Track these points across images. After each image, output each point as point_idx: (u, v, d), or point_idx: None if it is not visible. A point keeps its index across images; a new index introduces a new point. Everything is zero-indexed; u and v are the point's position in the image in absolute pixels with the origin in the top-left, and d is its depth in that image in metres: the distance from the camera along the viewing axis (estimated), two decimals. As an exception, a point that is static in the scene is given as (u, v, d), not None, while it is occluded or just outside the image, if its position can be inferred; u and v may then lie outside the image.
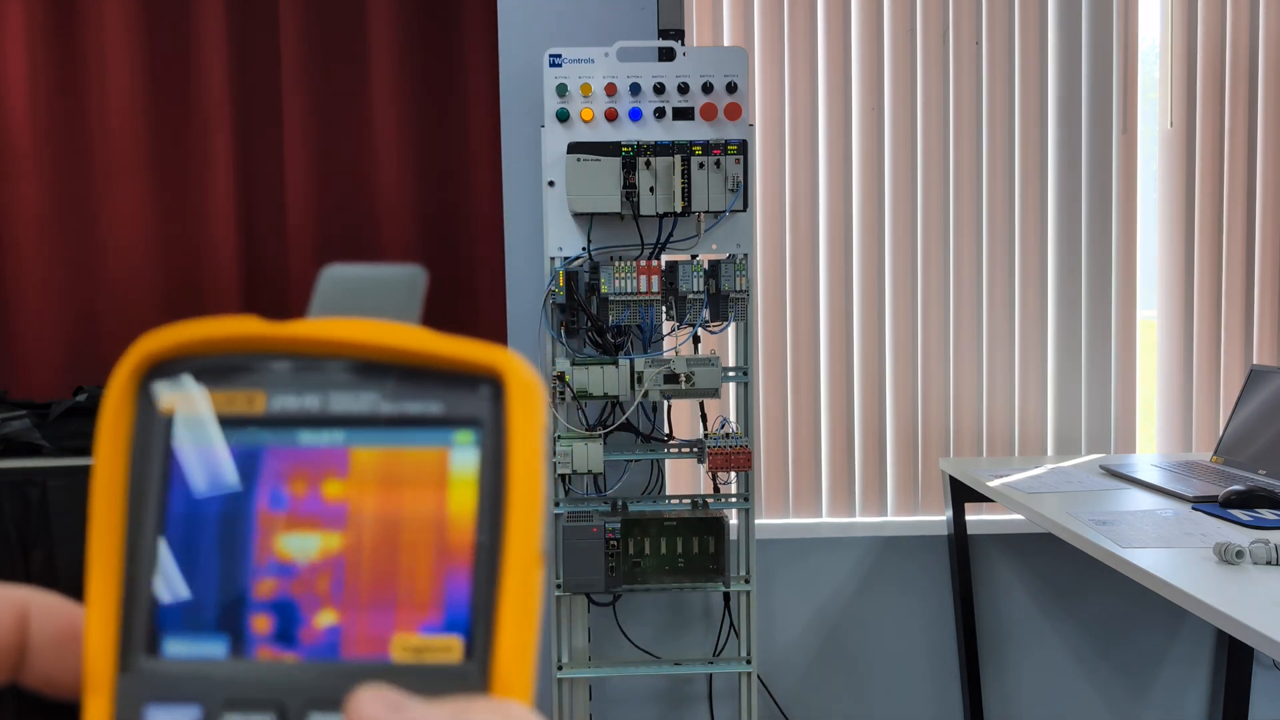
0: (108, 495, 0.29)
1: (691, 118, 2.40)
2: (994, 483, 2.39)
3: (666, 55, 2.44)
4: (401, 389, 0.29)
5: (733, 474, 2.43)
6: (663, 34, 2.56)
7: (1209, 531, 1.89)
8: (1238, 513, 2.01)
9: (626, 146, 2.29)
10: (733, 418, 2.55)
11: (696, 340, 2.48)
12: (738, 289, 2.38)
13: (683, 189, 2.30)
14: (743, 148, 2.31)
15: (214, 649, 0.28)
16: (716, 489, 2.52)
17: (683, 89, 2.39)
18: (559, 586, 2.41)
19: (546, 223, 2.42)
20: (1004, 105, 2.81)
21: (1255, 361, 2.83)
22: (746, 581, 2.49)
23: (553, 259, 2.42)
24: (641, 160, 2.29)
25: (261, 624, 0.28)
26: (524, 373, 0.28)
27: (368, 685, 0.27)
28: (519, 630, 0.27)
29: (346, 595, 0.28)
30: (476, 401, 0.28)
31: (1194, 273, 2.85)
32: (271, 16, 2.99)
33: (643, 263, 2.36)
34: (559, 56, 2.39)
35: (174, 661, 0.28)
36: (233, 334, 0.29)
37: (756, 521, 2.64)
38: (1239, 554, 1.69)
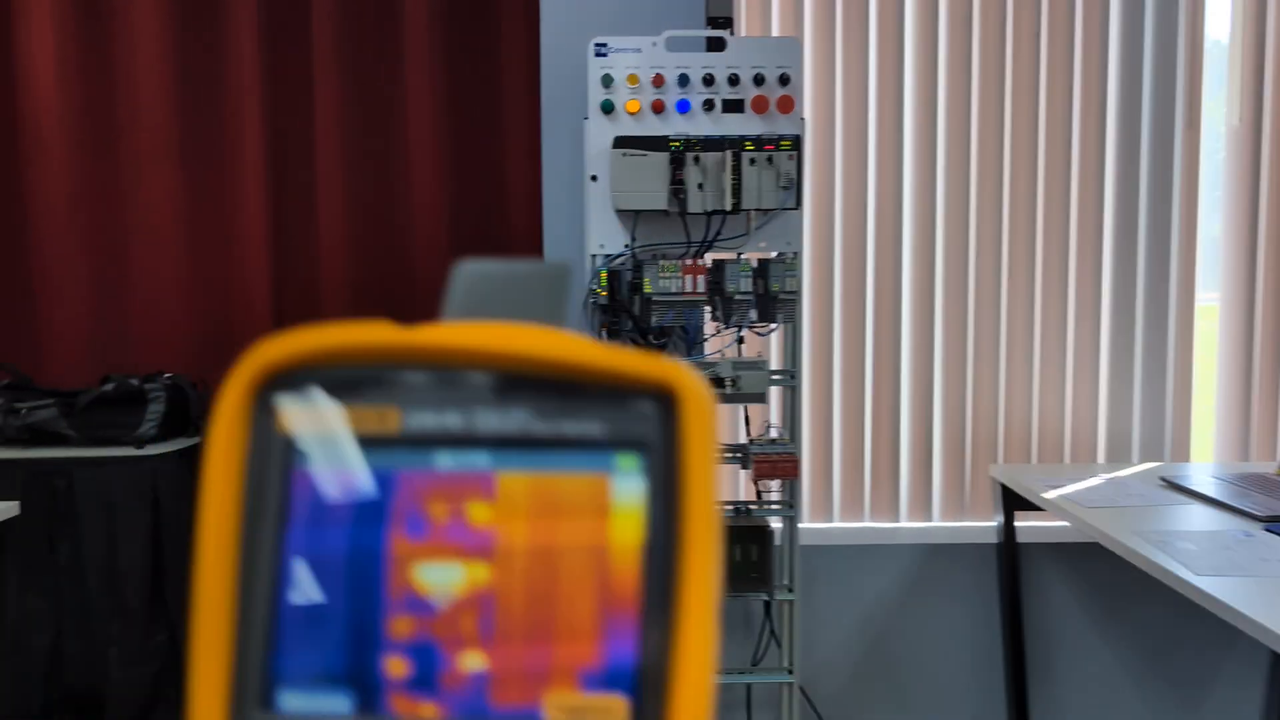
0: (219, 526, 0.25)
1: (742, 110, 2.31)
2: (1050, 494, 2.30)
3: (716, 45, 2.35)
4: (556, 406, 0.25)
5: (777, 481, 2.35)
6: (711, 22, 2.46)
7: (1286, 557, 1.80)
8: (1313, 535, 1.92)
9: (675, 141, 2.20)
10: (775, 419, 2.47)
11: (740, 342, 2.40)
12: (787, 289, 2.29)
13: (733, 186, 2.21)
14: (796, 143, 2.22)
15: (338, 702, 0.25)
16: (759, 495, 2.45)
17: (733, 81, 2.30)
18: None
19: (588, 219, 2.34)
20: (1062, 98, 2.70)
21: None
22: (790, 590, 2.41)
23: (594, 256, 2.33)
24: (690, 156, 2.20)
25: (396, 667, 0.25)
26: (699, 390, 0.25)
27: None
28: (698, 696, 0.23)
29: (497, 635, 0.25)
30: (642, 421, 0.25)
31: (1256, 275, 2.74)
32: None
33: (688, 261, 2.27)
34: (604, 46, 2.30)
35: (292, 717, 0.25)
36: (362, 342, 0.26)
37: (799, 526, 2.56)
38: (1325, 586, 1.60)
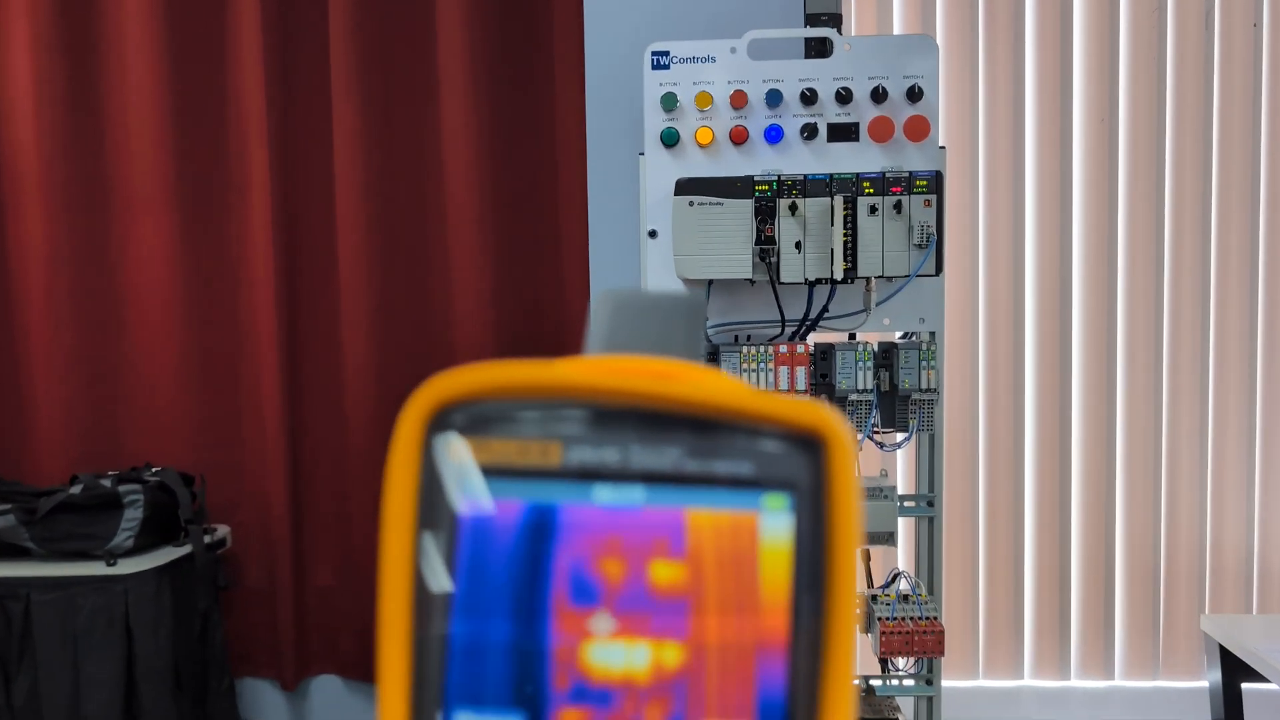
0: (397, 571, 0.26)
1: (855, 138, 1.69)
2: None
3: (818, 50, 1.73)
4: (708, 445, 0.26)
5: (912, 655, 1.69)
6: (811, 21, 1.84)
7: None
8: None
9: (763, 183, 1.58)
10: (904, 563, 1.81)
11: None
12: (923, 386, 1.64)
13: (845, 245, 1.57)
14: (935, 182, 1.58)
15: None
16: (885, 665, 1.79)
17: (842, 96, 1.67)
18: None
19: (647, 286, 1.72)
20: (1291, 115, 2.03)
21: None
22: (927, 798, 1.74)
23: (654, 339, 1.71)
24: (784, 203, 1.58)
25: None
26: (845, 434, 0.26)
27: None
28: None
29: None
30: (790, 462, 0.26)
31: None
32: (320, 12, 2.43)
33: (783, 348, 1.64)
34: (666, 54, 1.70)
35: None
36: (528, 381, 0.27)
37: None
38: None
